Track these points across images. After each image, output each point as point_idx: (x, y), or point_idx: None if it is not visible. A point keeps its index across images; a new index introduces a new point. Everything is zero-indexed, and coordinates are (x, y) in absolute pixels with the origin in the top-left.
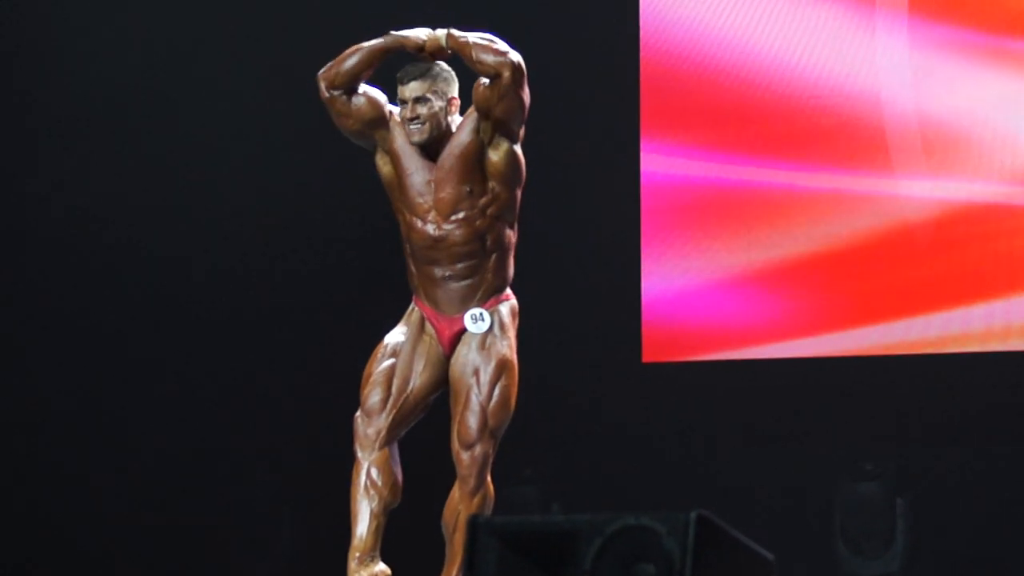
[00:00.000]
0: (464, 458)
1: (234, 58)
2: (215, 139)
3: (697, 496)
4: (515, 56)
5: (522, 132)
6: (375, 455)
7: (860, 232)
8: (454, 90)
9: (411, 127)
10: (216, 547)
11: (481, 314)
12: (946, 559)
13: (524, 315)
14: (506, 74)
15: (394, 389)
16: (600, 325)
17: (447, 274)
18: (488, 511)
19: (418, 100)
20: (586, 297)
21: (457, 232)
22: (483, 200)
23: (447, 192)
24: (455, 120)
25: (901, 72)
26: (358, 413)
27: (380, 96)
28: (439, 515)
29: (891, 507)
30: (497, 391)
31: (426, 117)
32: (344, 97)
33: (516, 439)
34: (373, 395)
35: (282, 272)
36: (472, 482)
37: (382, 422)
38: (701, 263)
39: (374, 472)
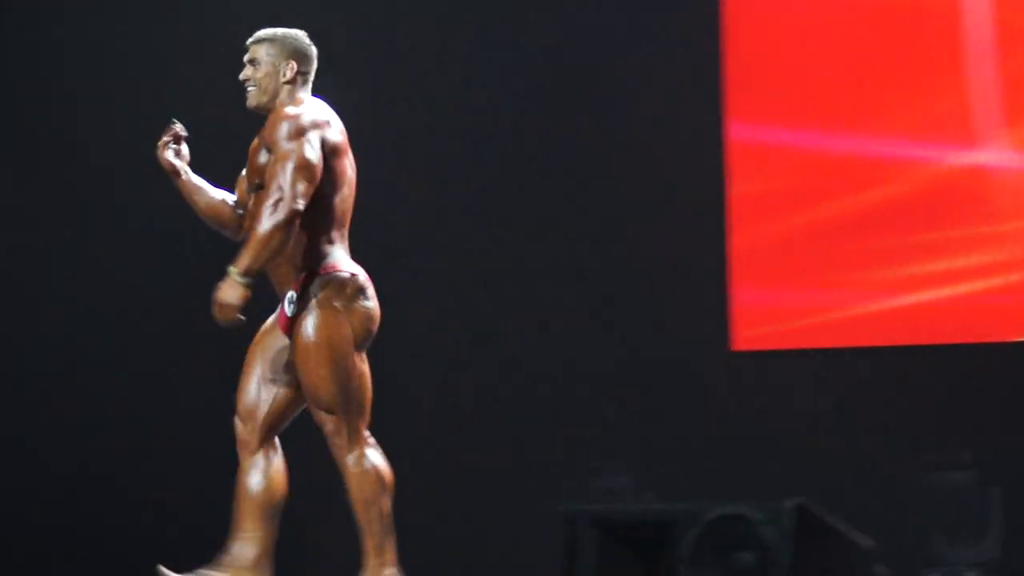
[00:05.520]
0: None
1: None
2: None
3: (790, 484)
4: (275, 220)
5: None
6: None
7: (949, 220)
8: (295, 56)
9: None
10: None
11: (292, 296)
12: None
13: (612, 304)
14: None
15: None
16: (689, 313)
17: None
18: (370, 489)
19: (250, 62)
20: (674, 285)
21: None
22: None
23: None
24: (288, 90)
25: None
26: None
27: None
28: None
29: (986, 496)
30: (314, 374)
31: (254, 80)
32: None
33: (608, 427)
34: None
35: None
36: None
37: None
38: (792, 249)
39: None
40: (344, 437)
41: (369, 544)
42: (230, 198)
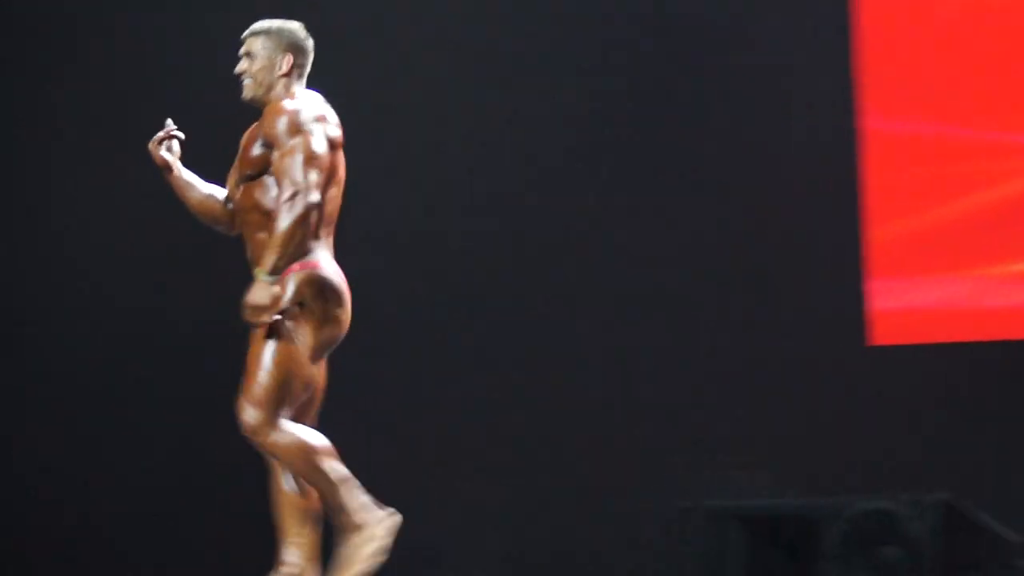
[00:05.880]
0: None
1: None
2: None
3: (933, 478)
4: (294, 215)
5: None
6: None
7: None
8: (291, 49)
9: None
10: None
11: None
12: None
13: (749, 300)
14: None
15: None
16: (826, 308)
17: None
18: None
19: (246, 55)
20: (810, 280)
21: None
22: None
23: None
24: (284, 83)
25: None
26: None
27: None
28: None
29: None
30: (260, 360)
31: (250, 73)
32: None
33: (749, 424)
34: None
35: None
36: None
37: None
38: (930, 241)
39: None
40: (261, 427)
41: (335, 509)
42: (221, 193)
